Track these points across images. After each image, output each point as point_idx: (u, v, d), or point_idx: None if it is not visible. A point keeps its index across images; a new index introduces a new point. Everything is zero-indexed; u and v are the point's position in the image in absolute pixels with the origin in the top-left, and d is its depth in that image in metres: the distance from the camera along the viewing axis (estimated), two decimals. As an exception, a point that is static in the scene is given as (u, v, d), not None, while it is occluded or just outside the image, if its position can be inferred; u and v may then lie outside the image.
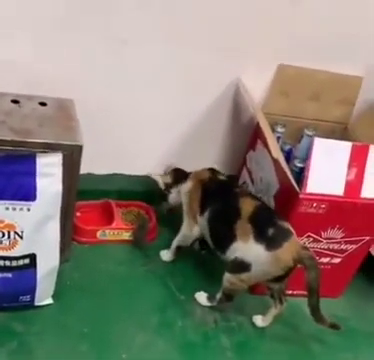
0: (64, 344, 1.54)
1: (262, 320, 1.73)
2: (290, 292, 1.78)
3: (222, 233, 1.66)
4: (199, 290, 1.78)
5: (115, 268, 1.83)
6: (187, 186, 1.80)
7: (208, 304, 1.74)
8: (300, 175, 1.70)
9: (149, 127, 1.95)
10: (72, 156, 1.50)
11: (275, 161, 1.70)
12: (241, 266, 1.59)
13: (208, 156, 2.06)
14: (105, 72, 1.78)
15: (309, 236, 1.72)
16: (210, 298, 1.74)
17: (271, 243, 1.55)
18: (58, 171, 1.43)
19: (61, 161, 1.42)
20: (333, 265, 1.83)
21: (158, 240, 1.97)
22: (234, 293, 1.68)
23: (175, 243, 1.85)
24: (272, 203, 1.76)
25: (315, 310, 1.60)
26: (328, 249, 1.77)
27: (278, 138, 1.93)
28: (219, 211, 1.69)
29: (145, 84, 1.84)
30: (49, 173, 1.42)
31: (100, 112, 1.83)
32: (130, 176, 2.05)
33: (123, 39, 1.73)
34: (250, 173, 1.99)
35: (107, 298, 1.71)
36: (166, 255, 1.88)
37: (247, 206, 1.63)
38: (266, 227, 1.56)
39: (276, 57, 1.89)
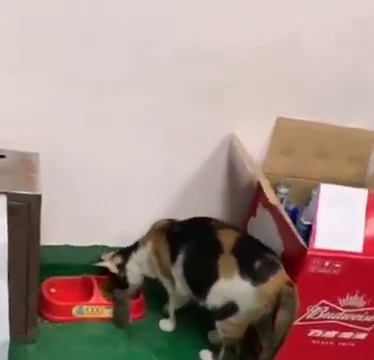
0: None
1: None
2: None
3: (201, 273, 1.55)
4: None
5: (91, 349, 1.65)
6: (147, 248, 1.71)
7: None
8: (308, 234, 1.52)
9: (132, 190, 1.83)
10: (29, 208, 1.42)
11: (273, 209, 1.57)
12: (227, 308, 1.50)
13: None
14: (75, 124, 1.70)
15: (324, 304, 1.51)
16: (215, 356, 1.64)
17: (257, 277, 1.45)
18: (1, 220, 1.30)
19: (5, 206, 1.32)
20: (358, 342, 1.61)
21: (147, 318, 1.81)
22: (233, 342, 1.58)
23: (171, 308, 1.75)
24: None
25: None
26: (349, 321, 1.56)
27: (281, 200, 1.80)
28: (195, 250, 1.58)
29: (124, 138, 1.75)
30: None
31: (73, 171, 1.75)
32: (114, 248, 1.87)
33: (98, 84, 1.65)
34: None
35: None
36: (166, 324, 1.77)
37: (228, 238, 1.54)
38: (252, 260, 1.48)
39: (273, 109, 1.81)
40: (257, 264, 1.47)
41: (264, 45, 1.68)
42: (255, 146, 1.78)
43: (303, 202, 1.83)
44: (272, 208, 1.60)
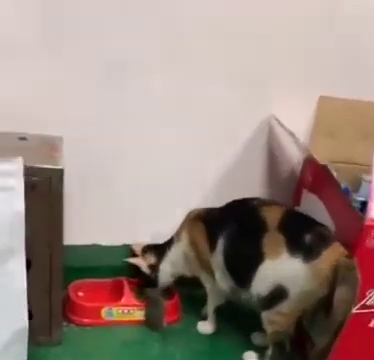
0: None
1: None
2: None
3: (244, 257, 1.43)
4: None
5: (120, 350, 1.51)
6: (182, 241, 1.60)
7: None
8: (363, 211, 1.38)
9: (164, 182, 1.72)
10: (51, 184, 1.32)
11: (321, 187, 1.44)
12: (276, 294, 1.37)
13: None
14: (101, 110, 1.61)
15: (386, 286, 1.35)
16: (261, 357, 1.49)
17: (309, 253, 1.33)
18: (18, 184, 1.20)
19: (21, 170, 1.21)
20: None
21: (184, 322, 1.66)
22: (282, 337, 1.43)
23: (210, 307, 1.63)
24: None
25: (320, 357, 1.30)
26: None
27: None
28: (236, 232, 1.47)
29: (152, 126, 1.65)
30: (4, 186, 1.19)
31: (101, 165, 1.66)
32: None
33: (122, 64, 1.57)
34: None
35: None
36: (205, 326, 1.64)
37: (273, 214, 1.43)
38: (302, 234, 1.36)
39: (316, 86, 1.69)
40: (307, 238, 1.34)
41: (305, 13, 1.60)
42: (296, 129, 1.63)
43: (352, 188, 1.68)
44: (322, 180, 1.49)
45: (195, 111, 1.66)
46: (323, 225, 1.39)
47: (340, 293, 1.26)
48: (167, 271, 1.64)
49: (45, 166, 1.31)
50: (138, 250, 1.67)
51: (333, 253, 1.32)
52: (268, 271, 1.37)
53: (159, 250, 1.65)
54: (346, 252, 1.32)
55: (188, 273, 1.62)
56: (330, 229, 1.39)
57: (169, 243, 1.64)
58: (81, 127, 1.58)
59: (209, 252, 1.51)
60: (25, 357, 1.30)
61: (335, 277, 1.28)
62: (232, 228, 1.46)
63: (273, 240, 1.37)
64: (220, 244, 1.47)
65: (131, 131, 1.64)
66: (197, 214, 1.59)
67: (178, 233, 1.62)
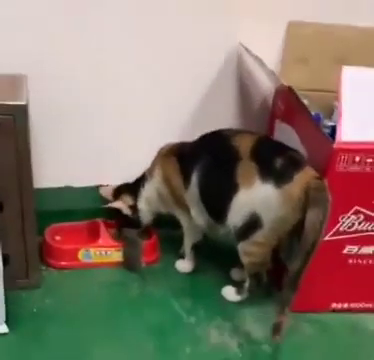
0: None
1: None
2: (346, 305, 1.46)
3: (219, 189, 1.40)
4: (214, 311, 1.46)
5: (100, 292, 1.52)
6: (155, 178, 1.57)
7: (238, 298, 1.50)
8: (333, 135, 1.34)
9: (135, 119, 1.68)
10: (15, 122, 1.28)
11: (292, 115, 1.40)
12: (250, 223, 1.35)
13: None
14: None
15: (358, 212, 1.33)
16: (239, 290, 1.50)
17: (280, 178, 1.30)
18: None
19: None
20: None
21: (162, 262, 1.65)
22: (259, 269, 1.44)
23: (187, 245, 1.61)
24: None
25: (293, 280, 1.27)
26: (390, 231, 1.37)
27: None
28: (209, 164, 1.43)
29: (118, 62, 1.59)
30: None
31: (69, 104, 1.60)
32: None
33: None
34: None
35: (85, 325, 1.38)
36: (183, 264, 1.63)
37: (245, 142, 1.38)
38: (273, 159, 1.32)
39: (284, 12, 1.62)
40: (278, 162, 1.31)
41: None
42: (265, 57, 1.56)
43: (326, 116, 1.64)
44: (293, 108, 1.45)
45: (161, 43, 1.59)
46: (294, 150, 1.37)
47: (311, 215, 1.25)
48: (145, 210, 1.61)
49: (8, 103, 1.26)
50: (108, 193, 1.65)
51: (304, 176, 1.29)
52: (242, 201, 1.34)
53: (133, 189, 1.62)
54: (317, 175, 1.29)
55: (163, 210, 1.60)
56: (301, 153, 1.37)
57: (142, 181, 1.61)
58: (46, 64, 1.53)
59: (183, 187, 1.48)
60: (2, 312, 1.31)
61: (307, 200, 1.26)
62: (205, 160, 1.42)
63: (246, 169, 1.34)
64: (194, 178, 1.44)
65: (98, 68, 1.59)
66: (169, 149, 1.55)
67: (151, 170, 1.58)
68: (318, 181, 1.28)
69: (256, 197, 1.32)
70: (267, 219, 1.32)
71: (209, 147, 1.45)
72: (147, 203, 1.60)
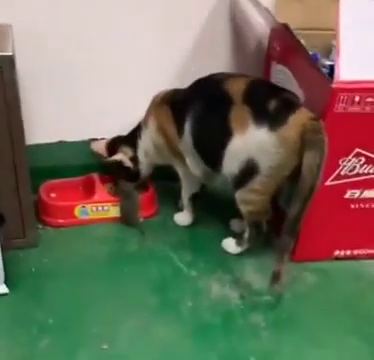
0: (19, 339, 1.22)
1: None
2: (349, 252, 1.44)
3: (212, 135, 1.36)
4: (215, 264, 1.45)
5: (98, 248, 1.50)
6: (149, 127, 1.52)
7: (239, 249, 1.48)
8: (332, 74, 1.30)
9: (127, 70, 1.63)
10: (2, 72, 1.23)
11: (289, 56, 1.34)
12: (247, 170, 1.31)
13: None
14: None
15: (359, 154, 1.29)
16: (239, 242, 1.48)
17: (275, 121, 1.26)
18: None
19: None
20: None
21: (161, 216, 1.64)
22: (258, 218, 1.42)
23: (185, 197, 1.58)
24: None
25: (292, 227, 1.26)
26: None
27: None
28: (201, 110, 1.38)
29: (109, 11, 1.54)
30: None
31: (58, 56, 1.55)
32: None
33: None
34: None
35: (85, 282, 1.38)
36: (182, 217, 1.61)
37: (237, 85, 1.34)
38: (266, 101, 1.28)
39: None
40: (272, 105, 1.27)
41: None
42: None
43: (324, 55, 1.58)
44: (289, 48, 1.40)
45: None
46: (288, 91, 1.32)
47: (308, 158, 1.22)
48: (144, 161, 1.58)
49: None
50: (101, 148, 1.60)
51: (300, 118, 1.25)
52: (237, 147, 1.31)
53: (131, 141, 1.58)
54: (313, 115, 1.25)
55: (160, 161, 1.56)
56: (296, 95, 1.32)
57: (138, 131, 1.57)
58: (33, 15, 1.48)
59: (178, 136, 1.44)
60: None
61: (303, 143, 1.22)
62: (198, 107, 1.38)
63: (239, 113, 1.30)
64: (187, 125, 1.40)
65: (89, 18, 1.53)
66: (162, 97, 1.50)
67: (145, 120, 1.54)
68: (314, 122, 1.24)
69: (251, 142, 1.28)
70: (263, 165, 1.29)
71: (201, 93, 1.40)
72: (145, 154, 1.56)
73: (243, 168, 1.31)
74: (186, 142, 1.42)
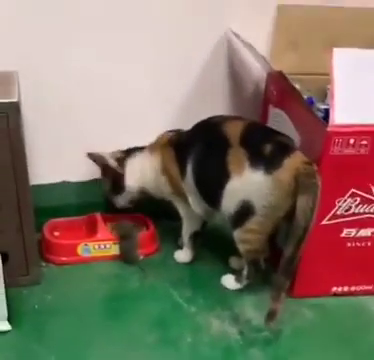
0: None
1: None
2: (346, 289, 1.47)
3: (212, 176, 1.41)
4: (214, 300, 1.47)
5: (100, 285, 1.52)
6: (154, 162, 1.55)
7: (238, 286, 1.50)
8: (327, 118, 1.35)
9: (127, 111, 1.68)
10: (8, 120, 1.27)
11: (285, 101, 1.39)
12: (243, 211, 1.35)
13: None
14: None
15: (354, 195, 1.34)
16: (238, 278, 1.51)
17: (270, 164, 1.30)
18: None
19: None
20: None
21: (160, 255, 1.67)
22: (256, 256, 1.45)
23: (186, 235, 1.61)
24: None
25: (287, 267, 1.29)
26: (388, 213, 1.38)
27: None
28: (202, 152, 1.43)
29: (107, 49, 1.59)
30: None
31: (60, 97, 1.61)
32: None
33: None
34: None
35: (87, 319, 1.39)
36: (182, 254, 1.63)
37: (234, 128, 1.38)
38: (262, 145, 1.32)
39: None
40: (267, 148, 1.31)
41: None
42: (256, 42, 1.56)
43: (320, 100, 1.65)
44: (285, 93, 1.45)
45: (150, 33, 1.59)
46: (283, 134, 1.36)
47: (301, 202, 1.25)
48: (135, 172, 1.59)
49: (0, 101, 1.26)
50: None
51: (294, 162, 1.29)
52: (234, 188, 1.35)
53: (127, 151, 1.61)
54: (307, 159, 1.29)
55: (159, 195, 1.58)
56: (291, 138, 1.37)
57: (141, 148, 1.59)
58: (36, 59, 1.53)
59: (180, 177, 1.49)
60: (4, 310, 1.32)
61: (297, 186, 1.26)
62: (198, 149, 1.43)
63: (236, 156, 1.34)
64: (189, 167, 1.45)
65: (91, 64, 1.59)
66: (168, 139, 1.55)
67: (152, 149, 1.56)
68: (308, 166, 1.28)
69: (247, 184, 1.33)
70: (259, 206, 1.32)
71: (201, 135, 1.45)
72: (140, 168, 1.58)
73: (239, 209, 1.35)
74: (188, 182, 1.47)
